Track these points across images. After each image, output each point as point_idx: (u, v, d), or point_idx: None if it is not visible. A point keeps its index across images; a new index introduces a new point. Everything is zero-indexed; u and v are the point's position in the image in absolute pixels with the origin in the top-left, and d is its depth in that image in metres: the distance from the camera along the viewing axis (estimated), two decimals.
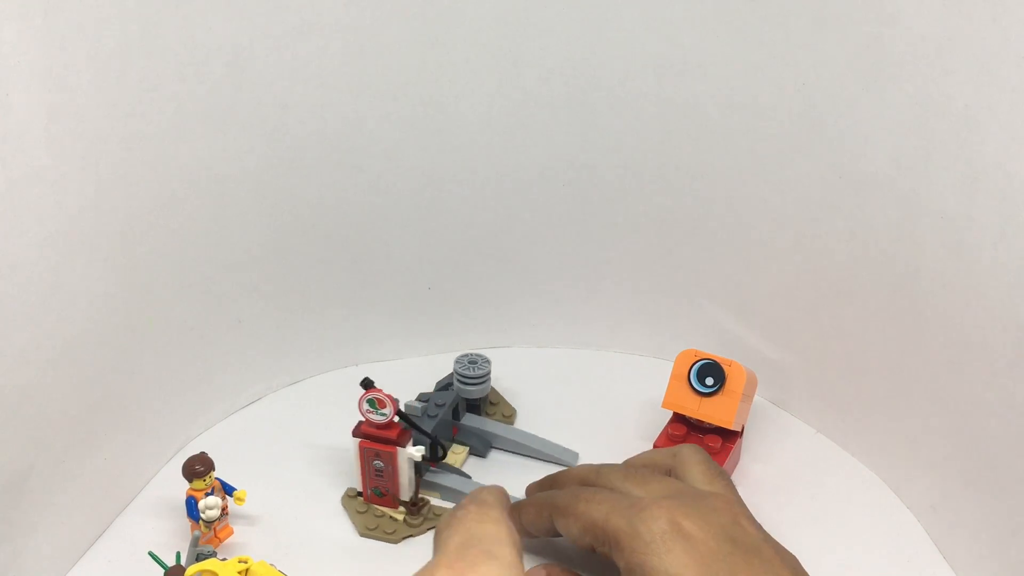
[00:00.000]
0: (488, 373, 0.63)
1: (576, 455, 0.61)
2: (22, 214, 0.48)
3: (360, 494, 0.58)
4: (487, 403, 0.65)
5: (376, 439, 0.56)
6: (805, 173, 0.59)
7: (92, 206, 0.52)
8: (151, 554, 0.51)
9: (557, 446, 0.61)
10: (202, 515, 0.53)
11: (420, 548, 0.56)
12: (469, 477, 0.60)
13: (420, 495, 0.58)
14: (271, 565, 0.48)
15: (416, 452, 0.55)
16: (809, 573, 0.46)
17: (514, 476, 0.58)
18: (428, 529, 0.57)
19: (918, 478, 0.57)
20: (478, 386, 0.63)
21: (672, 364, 0.59)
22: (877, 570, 0.54)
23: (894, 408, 0.58)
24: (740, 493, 0.57)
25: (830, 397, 0.63)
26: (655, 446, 0.60)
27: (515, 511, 0.53)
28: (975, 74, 0.49)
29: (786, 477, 0.60)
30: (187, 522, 0.55)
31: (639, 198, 0.66)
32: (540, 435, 0.62)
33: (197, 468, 0.53)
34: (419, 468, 0.58)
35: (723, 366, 0.58)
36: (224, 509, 0.54)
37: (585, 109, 0.63)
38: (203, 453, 0.54)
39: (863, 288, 0.58)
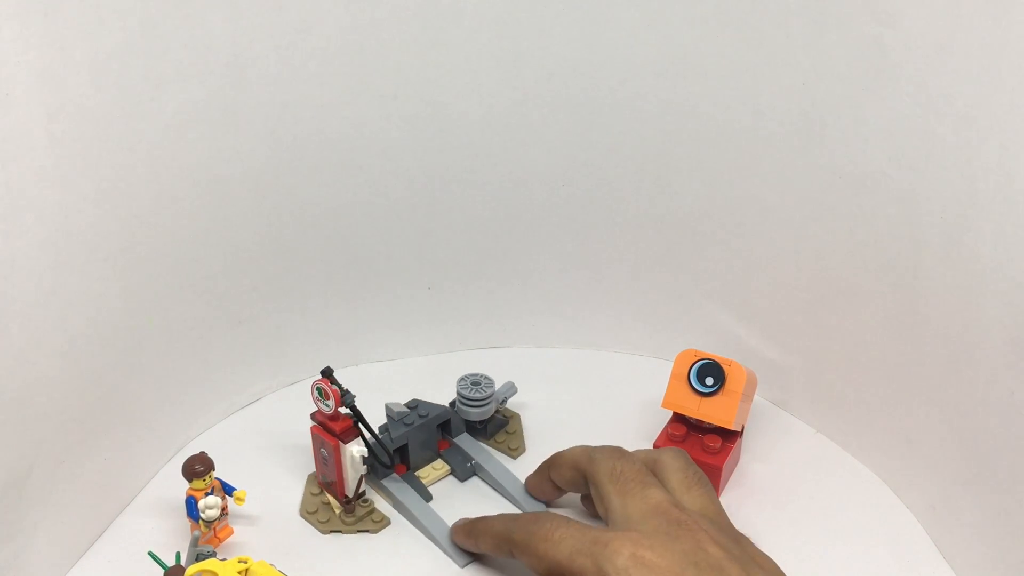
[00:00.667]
0: (489, 396, 0.61)
1: (543, 507, 0.59)
2: (22, 214, 0.48)
3: None
4: (500, 430, 0.63)
5: (324, 428, 0.56)
6: (805, 173, 0.59)
7: (92, 206, 0.52)
8: (151, 554, 0.51)
9: (529, 498, 0.59)
10: (202, 515, 0.53)
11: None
12: (429, 498, 0.59)
13: (366, 497, 0.57)
14: (271, 565, 0.48)
15: (357, 451, 0.55)
16: (800, 575, 0.46)
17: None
18: (359, 531, 0.57)
19: (918, 478, 0.57)
20: (478, 408, 0.61)
21: (672, 364, 0.59)
22: (877, 570, 0.54)
23: (894, 408, 0.58)
24: (740, 493, 0.57)
25: (830, 397, 0.63)
26: (655, 446, 0.60)
27: (471, 537, 0.53)
28: (975, 74, 0.49)
29: (786, 477, 0.60)
30: (187, 522, 0.55)
31: (639, 198, 0.66)
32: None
33: (197, 468, 0.53)
34: (373, 468, 0.58)
35: (723, 366, 0.58)
36: (224, 509, 0.54)
37: (585, 109, 0.63)
38: (203, 453, 0.54)
39: (863, 288, 0.58)
